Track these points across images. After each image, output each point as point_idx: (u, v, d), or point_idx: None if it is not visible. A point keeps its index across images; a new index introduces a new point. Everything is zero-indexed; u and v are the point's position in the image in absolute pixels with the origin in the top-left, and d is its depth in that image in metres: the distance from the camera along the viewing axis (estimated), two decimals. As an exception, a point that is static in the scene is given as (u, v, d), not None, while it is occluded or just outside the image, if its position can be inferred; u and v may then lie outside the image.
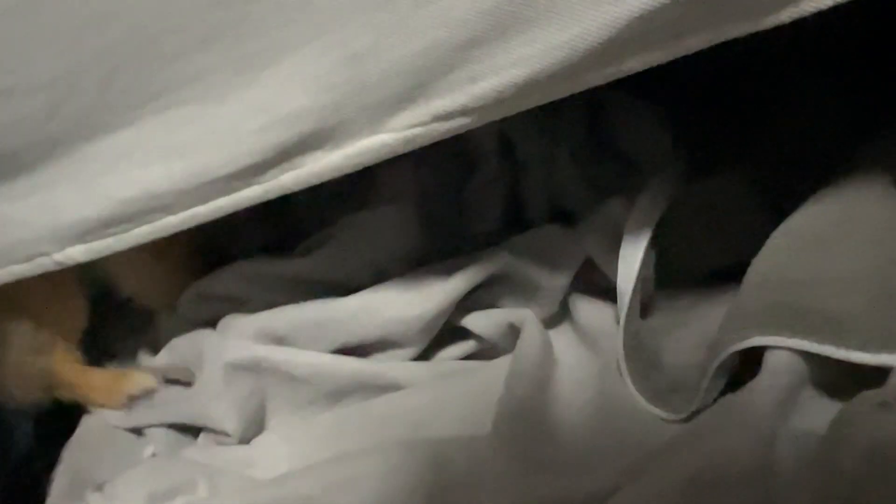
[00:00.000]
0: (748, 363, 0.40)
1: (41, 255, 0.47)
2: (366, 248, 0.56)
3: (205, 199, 0.44)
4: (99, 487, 0.49)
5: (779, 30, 0.51)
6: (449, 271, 0.53)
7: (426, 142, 0.40)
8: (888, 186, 0.42)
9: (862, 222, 0.41)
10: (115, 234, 0.46)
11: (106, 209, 0.45)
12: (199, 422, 0.54)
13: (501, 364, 0.52)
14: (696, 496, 0.34)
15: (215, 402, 0.52)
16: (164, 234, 0.46)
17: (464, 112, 0.38)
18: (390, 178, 0.60)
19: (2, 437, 0.59)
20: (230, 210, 0.44)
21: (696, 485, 0.35)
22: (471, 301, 0.54)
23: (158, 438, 0.56)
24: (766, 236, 0.44)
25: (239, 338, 0.55)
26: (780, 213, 0.45)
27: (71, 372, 0.58)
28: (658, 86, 0.57)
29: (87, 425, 0.57)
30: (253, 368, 0.53)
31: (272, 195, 0.43)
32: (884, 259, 0.39)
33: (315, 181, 0.42)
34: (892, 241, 0.39)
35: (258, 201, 0.44)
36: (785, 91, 0.54)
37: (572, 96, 0.58)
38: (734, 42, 0.55)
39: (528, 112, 0.57)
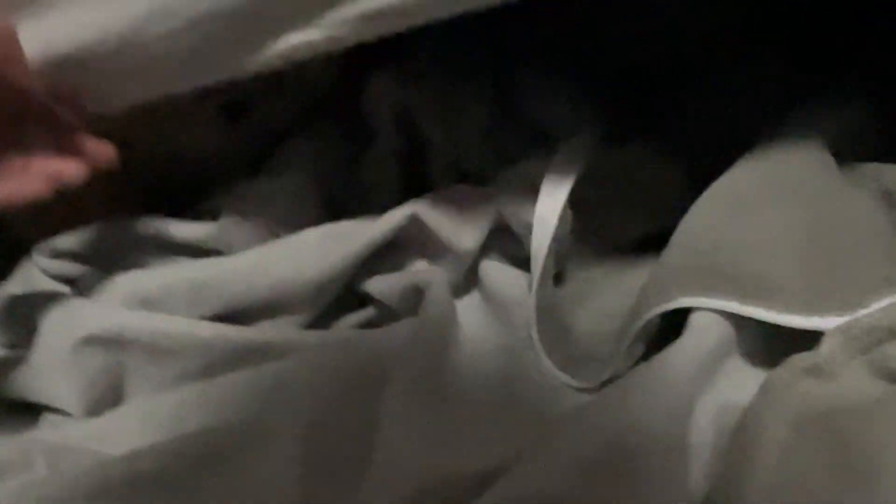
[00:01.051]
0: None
1: None
2: (258, 218, 0.52)
3: None
4: None
5: (706, 4, 0.50)
6: (351, 230, 0.49)
7: (352, 42, 0.40)
8: (818, 149, 0.41)
9: (791, 184, 0.39)
10: None
11: None
12: (36, 398, 0.47)
13: (385, 333, 0.48)
14: (608, 464, 0.31)
15: (57, 378, 0.46)
16: None
17: (393, 13, 0.38)
18: (283, 149, 0.57)
19: None
20: None
21: (610, 452, 0.32)
22: (374, 265, 0.50)
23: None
24: (685, 207, 0.42)
25: (103, 302, 0.49)
26: (699, 185, 0.43)
27: None
28: (577, 63, 0.56)
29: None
30: (113, 340, 0.46)
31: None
32: (816, 221, 0.37)
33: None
34: (821, 203, 0.38)
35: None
36: (705, 64, 0.53)
37: (476, 66, 0.58)
38: (660, 16, 0.55)
39: (429, 84, 0.56)
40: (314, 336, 0.49)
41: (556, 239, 0.45)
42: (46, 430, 0.46)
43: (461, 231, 0.48)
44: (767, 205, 0.38)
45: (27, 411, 0.48)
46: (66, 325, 0.46)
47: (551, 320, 0.44)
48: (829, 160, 0.40)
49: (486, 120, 0.56)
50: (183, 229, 0.51)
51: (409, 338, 0.44)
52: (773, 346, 0.35)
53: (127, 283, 0.49)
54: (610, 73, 0.57)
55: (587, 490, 0.31)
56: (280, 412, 0.41)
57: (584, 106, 0.54)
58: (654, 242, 0.46)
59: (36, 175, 0.40)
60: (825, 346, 0.32)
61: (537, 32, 0.59)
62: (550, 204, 0.44)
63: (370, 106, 0.56)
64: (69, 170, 0.40)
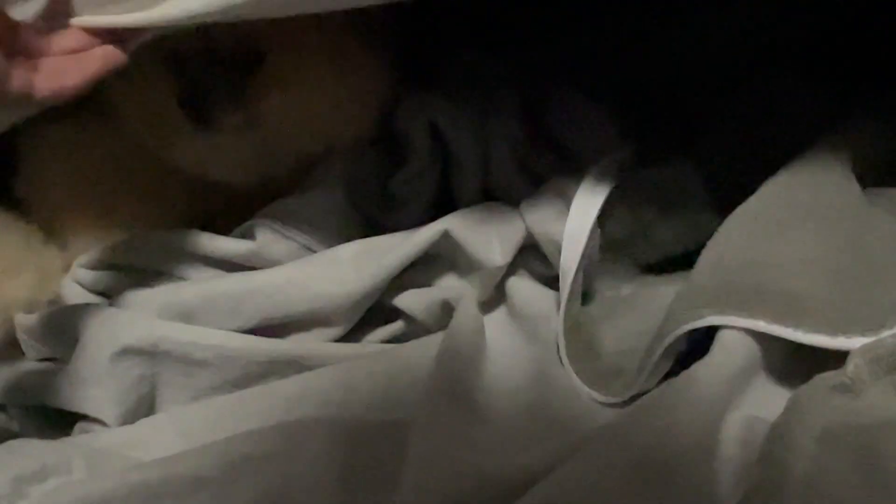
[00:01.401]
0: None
1: None
2: (294, 234, 0.53)
3: None
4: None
5: (733, 24, 0.51)
6: (385, 246, 0.50)
7: None
8: (847, 172, 0.42)
9: (821, 206, 0.40)
10: None
11: None
12: (73, 407, 0.48)
13: (417, 346, 0.49)
14: (639, 476, 0.32)
15: (95, 388, 0.47)
16: None
17: None
18: (318, 166, 0.57)
19: None
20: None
21: (641, 465, 0.33)
22: (404, 280, 0.51)
23: (26, 421, 0.50)
24: (714, 227, 0.43)
25: (140, 313, 0.49)
26: (728, 206, 0.44)
27: None
28: (606, 84, 0.57)
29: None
30: (149, 351, 0.47)
31: None
32: (842, 243, 0.38)
33: None
34: (850, 225, 0.39)
35: None
36: (735, 85, 0.54)
37: (506, 86, 0.58)
38: (688, 37, 0.55)
39: (460, 103, 0.57)
40: (347, 349, 0.50)
41: (585, 257, 0.45)
42: (82, 437, 0.48)
43: (491, 248, 0.49)
44: (794, 226, 0.39)
45: (64, 420, 0.49)
46: (104, 335, 0.47)
47: (579, 336, 0.45)
48: (854, 184, 0.41)
49: (516, 140, 0.57)
50: (222, 246, 0.52)
51: (438, 351, 0.45)
52: (798, 364, 0.36)
53: (165, 294, 0.50)
54: (639, 95, 0.58)
55: (618, 503, 0.32)
56: (315, 419, 0.42)
57: (613, 127, 0.55)
58: (681, 261, 0.47)
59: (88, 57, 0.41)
60: (851, 365, 0.32)
61: (567, 53, 0.60)
62: (580, 223, 0.45)
63: (403, 124, 0.57)
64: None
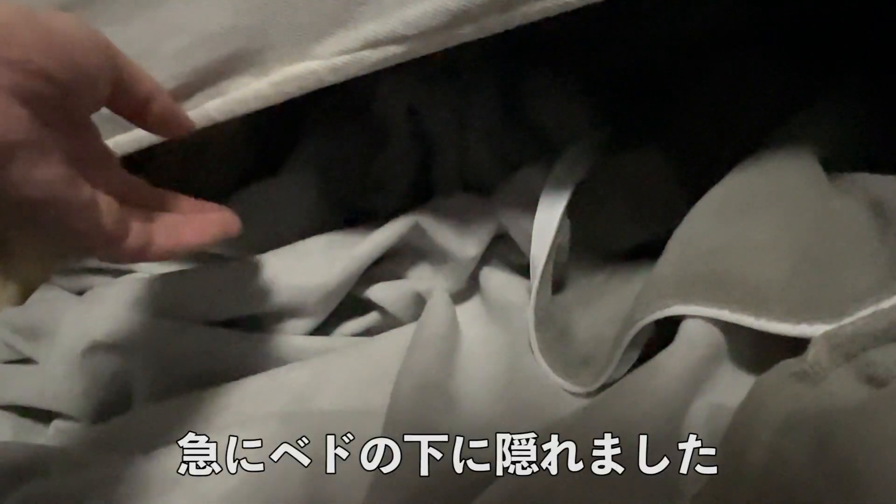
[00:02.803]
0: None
1: None
2: (264, 219, 0.53)
3: (127, 127, 0.41)
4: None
5: (705, 7, 0.51)
6: (355, 238, 0.50)
7: (356, 71, 0.38)
8: (810, 160, 0.42)
9: (784, 193, 0.40)
10: None
11: None
12: (46, 405, 0.48)
13: (388, 338, 0.49)
14: (604, 465, 0.32)
15: (68, 385, 0.47)
16: None
17: (394, 39, 0.36)
18: (297, 150, 0.57)
19: None
20: (152, 142, 0.42)
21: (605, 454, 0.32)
22: (377, 272, 0.51)
23: (3, 424, 0.49)
24: (683, 215, 0.43)
25: (112, 308, 0.49)
26: (697, 193, 0.44)
27: None
28: (581, 68, 0.57)
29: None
30: (120, 346, 0.47)
31: (198, 125, 0.41)
32: (805, 229, 0.38)
33: (241, 110, 0.41)
34: (813, 212, 0.39)
35: None
36: (704, 72, 0.54)
37: (484, 71, 0.58)
38: (661, 21, 0.55)
39: (439, 86, 0.57)
40: (319, 342, 0.50)
41: (555, 247, 0.45)
42: (57, 436, 0.48)
43: (463, 239, 0.49)
44: (757, 214, 0.39)
45: (39, 418, 0.49)
46: (75, 331, 0.47)
47: (550, 326, 0.45)
48: (818, 169, 0.41)
49: (492, 125, 0.57)
50: None
51: (411, 342, 0.45)
52: (763, 351, 0.36)
53: (137, 289, 0.50)
54: (613, 78, 0.58)
55: (583, 490, 0.32)
56: (287, 412, 0.42)
57: (588, 110, 0.55)
58: (652, 249, 0.47)
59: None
60: (811, 353, 0.33)
61: (543, 37, 0.60)
62: (549, 213, 0.45)
63: (383, 107, 0.57)
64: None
